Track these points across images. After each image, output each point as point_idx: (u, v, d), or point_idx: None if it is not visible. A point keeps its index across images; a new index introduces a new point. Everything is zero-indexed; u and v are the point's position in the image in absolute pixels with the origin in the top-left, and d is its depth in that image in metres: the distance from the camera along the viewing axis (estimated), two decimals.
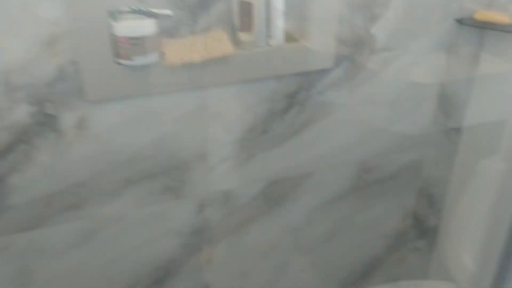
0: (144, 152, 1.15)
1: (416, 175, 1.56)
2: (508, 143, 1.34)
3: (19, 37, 0.92)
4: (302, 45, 1.16)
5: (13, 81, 0.95)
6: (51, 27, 0.93)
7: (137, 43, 0.98)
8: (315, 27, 1.15)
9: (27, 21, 0.91)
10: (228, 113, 1.20)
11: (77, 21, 0.93)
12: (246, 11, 1.08)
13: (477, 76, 1.36)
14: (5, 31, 0.91)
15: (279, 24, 1.12)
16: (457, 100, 1.41)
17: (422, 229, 1.63)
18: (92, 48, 0.96)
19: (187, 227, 1.31)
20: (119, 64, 1.00)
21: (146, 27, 0.98)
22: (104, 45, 0.97)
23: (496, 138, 1.38)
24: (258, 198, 1.37)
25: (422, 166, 1.54)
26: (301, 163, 1.37)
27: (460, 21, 1.28)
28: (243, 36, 1.11)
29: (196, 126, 1.18)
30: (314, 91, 1.26)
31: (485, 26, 1.25)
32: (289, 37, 1.16)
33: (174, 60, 1.04)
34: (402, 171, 1.52)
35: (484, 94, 1.37)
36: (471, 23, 1.26)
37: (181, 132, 1.17)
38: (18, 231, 1.12)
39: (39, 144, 1.04)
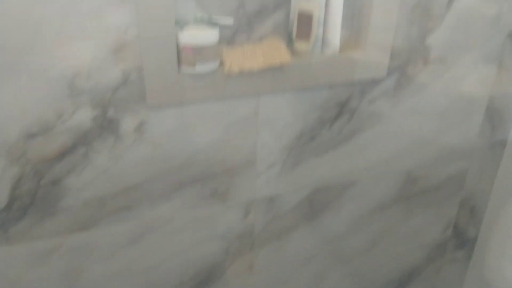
0: (196, 157, 1.16)
1: (459, 186, 1.55)
2: None
3: (89, 44, 0.93)
4: (356, 54, 1.16)
5: (78, 85, 0.96)
6: (120, 34, 0.94)
7: (200, 52, 0.99)
8: (370, 37, 1.14)
9: (97, 28, 0.92)
10: (279, 120, 1.20)
11: (145, 29, 0.94)
12: (305, 21, 1.08)
13: None
14: (75, 38, 0.92)
15: (336, 34, 1.12)
16: (505, 114, 1.40)
17: (462, 240, 1.62)
18: (156, 55, 0.97)
19: (231, 232, 1.32)
20: (181, 71, 1.01)
21: (209, 36, 0.99)
22: (168, 53, 0.98)
23: None
24: (302, 205, 1.37)
25: (465, 178, 1.53)
26: (346, 172, 1.37)
27: None
28: (300, 45, 1.11)
29: (247, 132, 1.18)
30: (364, 100, 1.26)
31: None
32: (344, 46, 1.15)
33: (233, 68, 1.04)
34: (446, 182, 1.51)
35: None
36: None
37: (232, 138, 1.18)
38: (70, 232, 1.14)
39: (98, 147, 1.05)
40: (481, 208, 1.55)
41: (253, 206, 1.31)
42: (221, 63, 1.06)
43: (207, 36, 0.99)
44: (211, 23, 1.01)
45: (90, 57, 0.94)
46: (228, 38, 1.07)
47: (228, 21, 1.03)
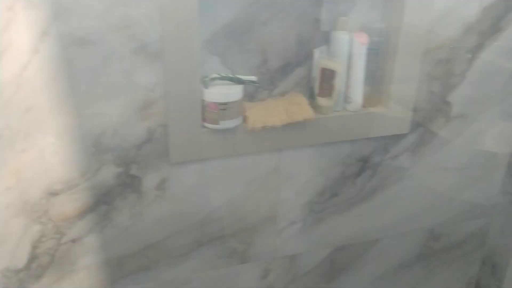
0: (217, 214, 1.13)
1: (481, 243, 1.50)
2: None
3: (116, 102, 0.93)
4: (379, 110, 1.16)
5: (103, 143, 0.96)
6: (147, 92, 0.95)
7: (225, 108, 0.99)
8: (393, 93, 1.14)
9: (126, 87, 0.93)
10: (300, 175, 1.18)
11: (171, 87, 0.94)
12: (328, 78, 1.08)
13: None
14: (103, 96, 0.92)
15: (358, 91, 1.12)
16: None
17: None
18: (182, 112, 0.97)
19: None
20: (205, 127, 1.01)
21: (233, 93, 0.99)
22: (193, 110, 0.98)
23: None
24: (323, 264, 1.32)
25: (487, 235, 1.49)
26: (369, 230, 1.33)
27: None
28: (322, 101, 1.11)
29: (268, 188, 1.16)
30: (387, 156, 1.24)
31: None
32: (367, 102, 1.15)
33: (256, 124, 1.04)
34: (468, 239, 1.47)
35: None
36: None
37: (253, 194, 1.15)
38: None
39: (119, 205, 1.03)
40: (503, 265, 1.50)
41: (273, 266, 1.27)
42: (244, 119, 1.05)
43: (231, 93, 0.99)
44: (236, 81, 1.01)
45: (117, 115, 0.94)
46: (251, 93, 1.07)
47: (252, 78, 1.04)
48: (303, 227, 1.25)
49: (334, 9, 1.06)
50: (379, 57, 1.12)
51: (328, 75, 1.09)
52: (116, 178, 1.00)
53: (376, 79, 1.15)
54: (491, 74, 1.23)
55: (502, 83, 1.26)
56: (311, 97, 1.12)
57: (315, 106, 1.11)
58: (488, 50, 1.19)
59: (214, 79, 1.00)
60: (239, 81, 1.02)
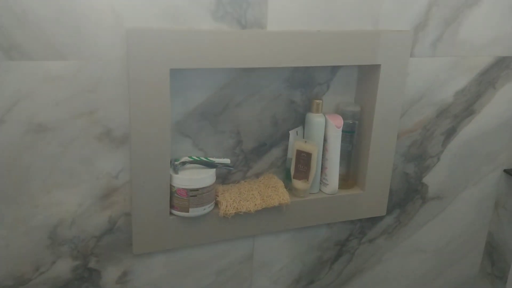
0: None
1: None
2: None
3: (75, 190, 0.86)
4: (355, 192, 1.12)
5: (60, 234, 0.87)
6: (110, 179, 0.88)
7: (195, 195, 0.92)
8: (369, 175, 1.11)
9: (87, 174, 0.86)
10: (275, 262, 1.11)
11: (137, 174, 0.88)
12: (304, 161, 1.04)
13: None
14: (62, 184, 0.85)
15: (334, 173, 1.08)
16: (504, 250, 1.35)
17: None
18: (148, 199, 0.90)
19: None
20: (174, 215, 0.94)
21: (205, 178, 0.93)
22: (160, 197, 0.91)
23: None
24: None
25: None
26: None
27: (508, 172, 1.26)
28: (298, 184, 1.06)
29: (241, 277, 1.08)
30: (364, 239, 1.19)
31: None
32: (343, 184, 1.12)
33: (229, 210, 0.97)
34: None
35: None
36: None
37: (224, 285, 1.07)
38: None
39: None
40: None
41: None
42: (216, 204, 0.99)
43: (202, 178, 0.93)
44: (208, 165, 0.96)
45: (76, 204, 0.87)
46: (224, 175, 1.02)
47: (226, 161, 0.99)
48: None
49: (308, 91, 1.04)
50: (353, 139, 1.10)
51: (304, 158, 1.05)
52: (72, 272, 0.90)
53: (351, 161, 1.12)
54: (466, 155, 1.23)
55: (477, 164, 1.25)
56: (287, 178, 1.08)
57: (291, 189, 1.07)
58: (462, 132, 1.20)
59: (184, 163, 0.95)
60: (212, 165, 0.96)
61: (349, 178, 1.13)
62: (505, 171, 1.27)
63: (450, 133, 1.18)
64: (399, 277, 1.28)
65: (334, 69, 1.04)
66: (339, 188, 1.11)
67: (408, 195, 1.20)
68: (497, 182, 1.29)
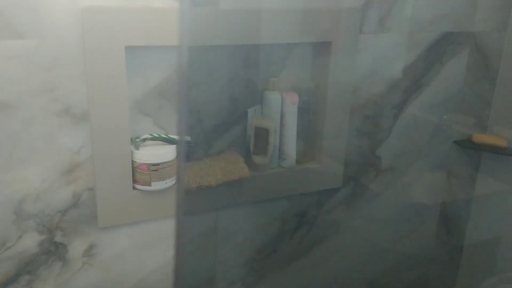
0: (150, 279, 1.08)
1: None
2: (503, 261, 1.35)
3: (38, 166, 0.89)
4: (312, 166, 1.18)
5: (25, 209, 0.90)
6: (72, 155, 0.91)
7: (157, 169, 0.97)
8: (324, 149, 1.17)
9: (49, 150, 0.89)
10: (238, 234, 1.17)
11: (99, 149, 0.92)
12: (262, 136, 1.10)
13: (475, 196, 1.40)
14: (25, 161, 0.88)
15: (292, 148, 1.14)
16: (458, 219, 1.43)
17: None
18: (110, 174, 0.94)
19: None
20: (137, 189, 0.98)
21: (166, 153, 0.98)
22: (123, 172, 0.95)
23: (495, 256, 1.39)
24: None
25: (428, 284, 1.51)
26: (309, 285, 1.32)
27: (458, 144, 1.34)
28: (257, 159, 1.12)
29: (205, 249, 1.13)
30: (322, 210, 1.26)
31: (482, 149, 1.31)
32: (301, 158, 1.17)
33: (191, 184, 1.02)
34: None
35: (483, 213, 1.40)
36: (469, 145, 1.32)
37: (189, 256, 1.12)
38: None
39: (43, 275, 0.96)
40: None
41: None
42: (179, 180, 1.04)
43: (163, 153, 0.98)
44: (168, 141, 1.00)
45: (39, 180, 0.90)
46: (187, 154, 1.06)
47: (186, 138, 1.03)
48: (242, 287, 1.22)
49: (265, 70, 1.09)
50: (310, 115, 1.16)
51: (261, 134, 1.11)
52: (39, 246, 0.94)
53: (308, 136, 1.18)
54: (417, 128, 1.30)
55: (428, 136, 1.33)
56: (247, 155, 1.13)
57: (251, 164, 1.12)
58: (412, 106, 1.27)
59: (145, 139, 0.99)
60: (172, 141, 1.01)
61: (306, 153, 1.19)
62: (455, 142, 1.35)
63: (401, 107, 1.25)
64: (357, 245, 1.35)
65: (290, 47, 1.10)
66: (297, 162, 1.17)
67: (362, 168, 1.27)
68: (448, 153, 1.37)
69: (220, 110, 1.07)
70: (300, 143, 1.16)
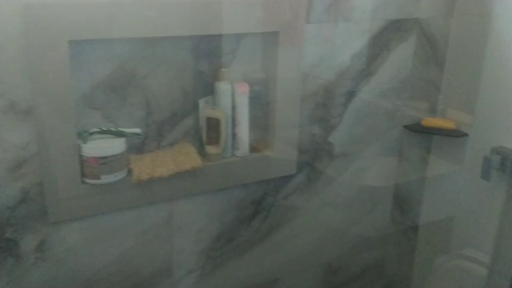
0: (106, 271, 1.09)
1: (380, 274, 1.57)
2: (457, 239, 1.41)
3: None
4: (266, 154, 1.20)
5: None
6: (18, 151, 0.91)
7: (105, 162, 0.97)
8: (277, 137, 1.20)
9: None
10: (194, 223, 1.19)
11: (45, 144, 0.92)
12: (213, 127, 1.11)
13: (427, 177, 1.46)
14: None
15: (244, 137, 1.16)
16: (411, 200, 1.49)
17: None
18: (58, 169, 0.94)
19: None
20: (86, 183, 0.99)
21: (115, 146, 0.99)
22: (71, 166, 0.95)
23: (449, 234, 1.45)
24: None
25: (385, 265, 1.57)
26: (268, 270, 1.35)
27: (408, 127, 1.38)
28: (210, 149, 1.13)
29: (161, 239, 1.15)
30: (278, 196, 1.29)
31: (432, 132, 1.36)
32: (254, 148, 1.20)
33: (142, 176, 1.03)
34: (367, 271, 1.54)
35: (436, 194, 1.46)
36: (419, 129, 1.37)
37: (145, 247, 1.13)
38: None
39: None
40: None
41: None
42: (130, 172, 1.04)
43: (111, 146, 0.98)
44: (117, 134, 1.01)
45: None
46: (139, 146, 1.07)
47: (136, 131, 1.04)
48: (201, 275, 1.24)
49: (216, 61, 1.10)
50: (262, 104, 1.18)
51: (213, 124, 1.12)
52: None
53: (262, 124, 1.20)
54: (368, 114, 1.34)
55: (379, 121, 1.36)
56: (200, 146, 1.14)
57: (204, 155, 1.14)
58: (363, 92, 1.30)
59: (93, 133, 0.99)
60: (121, 134, 1.01)
61: (260, 141, 1.21)
62: (405, 126, 1.39)
63: (351, 94, 1.28)
64: (315, 229, 1.38)
65: (238, 38, 1.11)
66: (250, 151, 1.19)
67: (316, 154, 1.30)
68: (399, 137, 1.41)
69: (171, 102, 1.08)
70: (253, 132, 1.18)
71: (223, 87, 1.11)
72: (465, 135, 1.31)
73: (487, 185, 1.25)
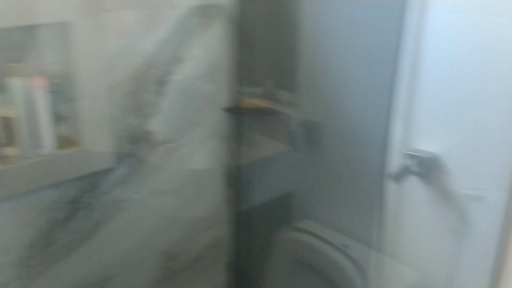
0: None
1: (221, 252, 1.62)
2: (295, 214, 1.51)
3: None
4: (77, 149, 1.15)
5: None
6: None
7: None
8: (88, 129, 1.15)
9: None
10: (1, 233, 1.09)
11: None
12: (7, 126, 1.03)
13: (255, 156, 1.52)
14: None
15: (47, 134, 1.09)
16: (246, 180, 1.54)
17: None
18: None
19: None
20: None
21: None
22: None
23: (288, 209, 1.54)
24: None
25: (223, 243, 1.61)
26: (99, 268, 1.30)
27: (228, 110, 1.42)
28: (7, 151, 1.05)
29: None
30: (98, 192, 1.24)
31: (247, 113, 1.42)
32: (64, 144, 1.13)
33: None
34: (206, 252, 1.57)
35: (265, 172, 1.53)
36: (238, 111, 1.42)
37: None
38: None
39: None
40: (247, 269, 1.65)
41: None
42: None
43: None
44: None
45: None
46: None
47: None
48: (21, 286, 1.15)
49: (6, 55, 1.01)
50: (66, 98, 1.12)
51: (6, 124, 1.03)
52: None
53: (68, 119, 1.14)
54: (186, 100, 1.34)
55: (197, 106, 1.38)
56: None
57: (2, 158, 1.04)
58: (175, 79, 1.30)
59: None
60: None
61: (69, 137, 1.14)
62: (224, 109, 1.43)
63: (163, 81, 1.28)
64: (146, 219, 1.37)
65: (31, 30, 1.03)
66: (59, 148, 1.12)
67: (136, 144, 1.28)
68: (220, 120, 1.45)
69: None
70: (61, 128, 1.12)
71: (13, 83, 1.03)
72: (277, 113, 1.39)
73: (298, 155, 1.34)
